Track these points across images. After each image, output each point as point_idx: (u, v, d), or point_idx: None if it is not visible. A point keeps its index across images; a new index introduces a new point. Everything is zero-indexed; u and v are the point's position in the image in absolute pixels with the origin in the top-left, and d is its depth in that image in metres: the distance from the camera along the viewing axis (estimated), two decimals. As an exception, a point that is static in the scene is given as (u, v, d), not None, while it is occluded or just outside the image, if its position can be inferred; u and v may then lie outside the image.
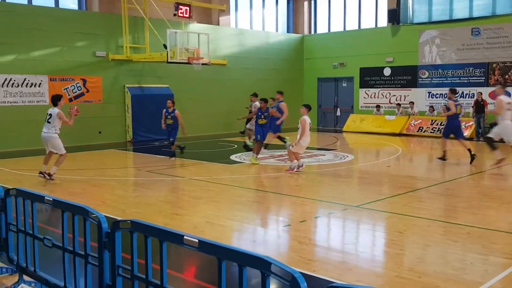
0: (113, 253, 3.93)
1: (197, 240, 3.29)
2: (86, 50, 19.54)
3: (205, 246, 3.27)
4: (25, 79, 17.96)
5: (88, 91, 19.61)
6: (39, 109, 18.13)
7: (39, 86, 18.30)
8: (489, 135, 13.35)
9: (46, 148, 11.64)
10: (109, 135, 20.14)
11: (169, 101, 15.70)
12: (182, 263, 6.23)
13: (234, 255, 3.12)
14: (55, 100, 11.59)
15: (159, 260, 3.55)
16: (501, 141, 13.30)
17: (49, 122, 11.40)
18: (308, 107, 12.70)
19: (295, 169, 12.49)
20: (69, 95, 19.03)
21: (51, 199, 4.61)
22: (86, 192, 10.64)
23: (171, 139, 15.35)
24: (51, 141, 11.45)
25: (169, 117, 15.34)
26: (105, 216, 4.12)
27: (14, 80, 17.71)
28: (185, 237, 3.37)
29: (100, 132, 19.87)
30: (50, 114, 11.43)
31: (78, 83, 19.34)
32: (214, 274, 3.29)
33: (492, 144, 13.01)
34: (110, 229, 3.94)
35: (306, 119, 12.43)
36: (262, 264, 2.89)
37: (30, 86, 18.10)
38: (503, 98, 12.82)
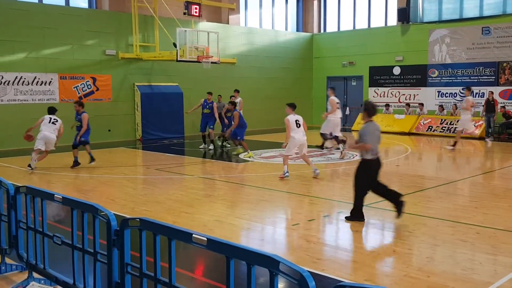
0: (122, 251, 3.95)
1: (205, 238, 3.29)
2: (96, 48, 19.62)
3: (213, 244, 3.28)
4: (35, 77, 18.06)
5: (98, 89, 19.69)
6: (49, 107, 18.26)
7: (49, 84, 18.39)
8: (321, 131, 15.53)
9: (41, 147, 12.89)
10: (119, 133, 20.22)
11: (75, 104, 13.99)
12: (190, 261, 6.25)
13: (243, 253, 3.12)
14: (55, 110, 13.34)
15: (168, 258, 3.56)
16: (330, 134, 15.29)
17: (54, 124, 13.03)
18: (292, 106, 11.69)
19: (283, 175, 11.64)
20: (79, 93, 19.12)
21: (60, 197, 4.63)
22: (95, 190, 10.68)
23: (82, 139, 13.64)
24: (53, 142, 13.09)
25: (76, 119, 13.93)
26: (114, 214, 4.14)
27: (25, 78, 17.82)
28: (193, 235, 3.37)
29: (109, 130, 19.94)
30: (56, 119, 13.13)
31: (88, 81, 19.43)
32: (222, 273, 3.30)
33: (324, 138, 15.45)
34: (119, 227, 3.96)
35: (289, 118, 11.50)
36: (271, 263, 2.89)
37: (41, 84, 18.20)
38: (334, 98, 15.24)
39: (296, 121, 11.55)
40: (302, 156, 11.99)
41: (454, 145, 16.58)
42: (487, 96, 20.75)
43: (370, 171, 7.74)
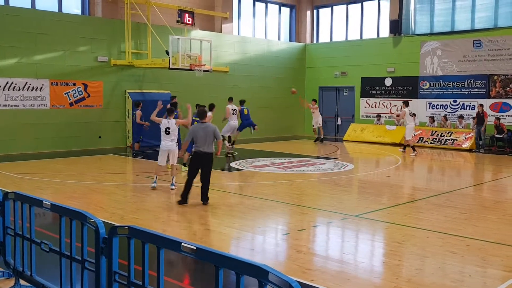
0: (110, 259, 3.92)
1: (195, 247, 3.27)
2: (88, 54, 19.56)
3: (202, 254, 3.25)
4: (26, 83, 17.95)
5: (89, 95, 19.60)
6: (40, 113, 18.16)
7: (40, 90, 18.29)
8: (222, 133, 17.86)
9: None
10: (109, 140, 20.12)
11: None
12: (179, 270, 6.21)
13: (232, 263, 3.10)
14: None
15: (156, 266, 3.53)
16: (229, 137, 18.70)
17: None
18: (169, 111, 12.02)
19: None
20: (70, 99, 19.02)
21: (49, 204, 4.59)
22: (84, 197, 10.61)
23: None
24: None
25: None
26: (103, 221, 4.11)
27: (16, 84, 17.71)
28: (183, 244, 3.35)
29: (100, 137, 19.85)
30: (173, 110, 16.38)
31: (79, 87, 19.34)
32: (211, 282, 3.27)
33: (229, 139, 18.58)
34: (108, 235, 3.93)
35: (163, 120, 11.80)
36: (260, 273, 2.87)
37: (32, 90, 18.09)
38: (229, 106, 18.74)
39: (166, 128, 11.75)
40: (171, 166, 12.01)
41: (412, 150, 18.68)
42: (477, 109, 20.85)
43: (192, 161, 9.87)
